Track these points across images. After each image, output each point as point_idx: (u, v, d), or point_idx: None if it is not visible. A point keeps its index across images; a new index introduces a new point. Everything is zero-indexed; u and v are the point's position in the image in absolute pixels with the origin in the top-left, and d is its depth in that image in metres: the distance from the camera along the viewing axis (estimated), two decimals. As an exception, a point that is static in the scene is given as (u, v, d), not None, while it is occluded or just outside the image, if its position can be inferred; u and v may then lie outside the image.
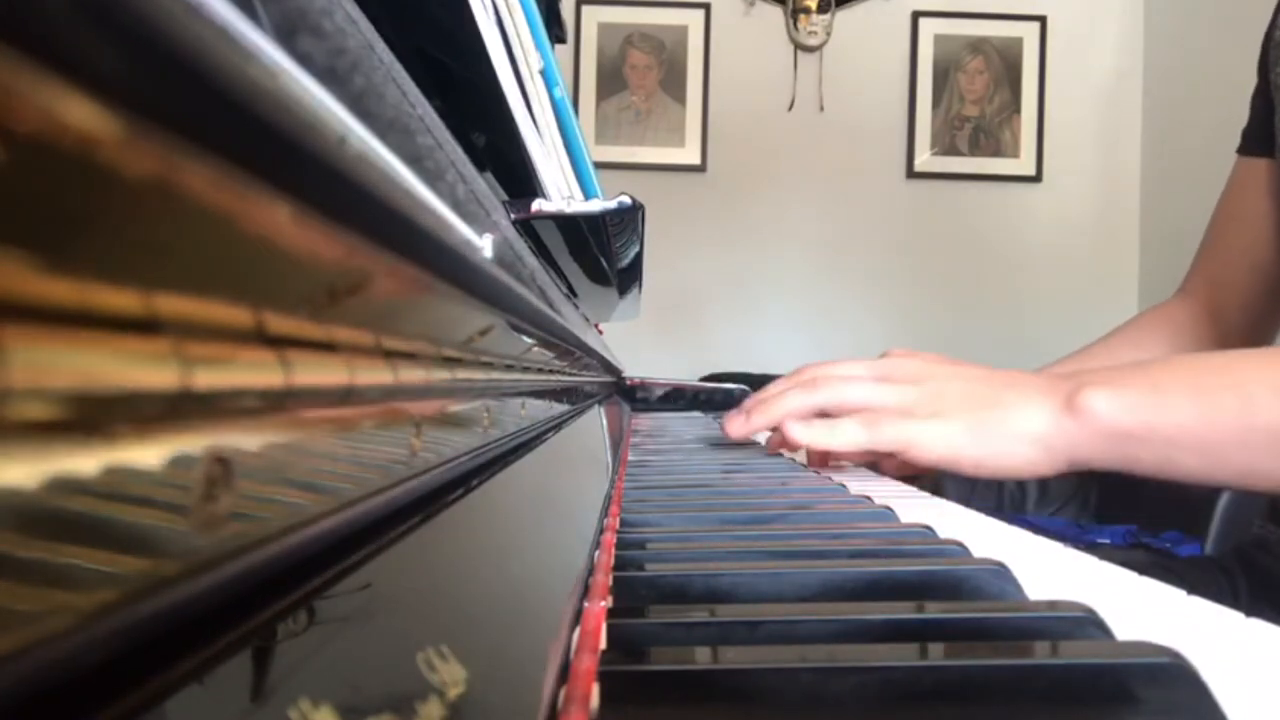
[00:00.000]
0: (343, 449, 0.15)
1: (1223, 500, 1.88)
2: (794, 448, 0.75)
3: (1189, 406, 0.60)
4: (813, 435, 0.70)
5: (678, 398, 1.66)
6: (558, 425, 0.52)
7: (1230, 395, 0.59)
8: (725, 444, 0.91)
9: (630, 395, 1.62)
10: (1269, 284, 0.94)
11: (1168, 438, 0.61)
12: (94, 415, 0.08)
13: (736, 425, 0.77)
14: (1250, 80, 0.96)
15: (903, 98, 2.80)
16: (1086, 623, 0.25)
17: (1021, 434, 0.64)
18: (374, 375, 0.15)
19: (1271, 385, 0.58)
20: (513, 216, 0.50)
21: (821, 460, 0.83)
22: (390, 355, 0.16)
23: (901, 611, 0.27)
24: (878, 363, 0.71)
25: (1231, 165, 0.99)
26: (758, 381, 1.94)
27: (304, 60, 0.11)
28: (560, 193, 0.59)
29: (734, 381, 1.78)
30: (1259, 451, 0.59)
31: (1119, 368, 0.67)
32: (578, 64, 2.73)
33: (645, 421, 1.33)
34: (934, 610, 0.27)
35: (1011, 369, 0.70)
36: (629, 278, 0.82)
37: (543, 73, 0.60)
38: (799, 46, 2.77)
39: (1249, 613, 0.31)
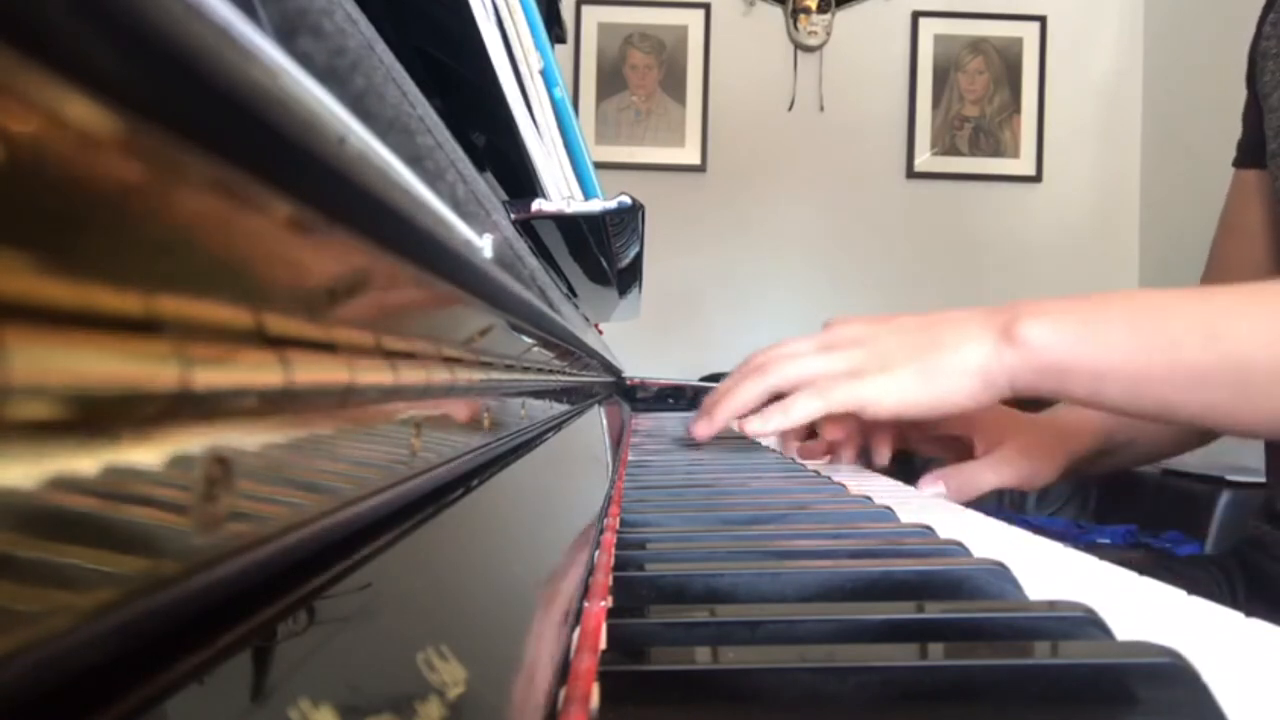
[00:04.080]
0: (343, 449, 0.15)
1: (1223, 500, 1.88)
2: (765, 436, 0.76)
3: (1120, 341, 0.62)
4: (770, 423, 0.70)
5: (678, 397, 1.67)
6: (558, 425, 0.52)
7: (1160, 334, 0.60)
8: (725, 444, 0.90)
9: (630, 395, 1.62)
10: None
11: (1096, 371, 0.62)
12: (94, 415, 0.08)
13: (702, 427, 0.76)
14: None
15: (902, 98, 2.80)
16: (1086, 623, 0.25)
17: (964, 369, 0.65)
18: (374, 375, 0.15)
19: (1201, 328, 0.59)
20: (513, 216, 0.50)
21: (817, 451, 0.83)
22: (390, 355, 0.16)
23: (901, 611, 0.27)
24: (820, 334, 0.72)
25: (1230, 164, 0.98)
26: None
27: (304, 60, 0.11)
28: (560, 193, 0.59)
29: (734, 381, 1.78)
30: (1181, 390, 0.60)
31: (1061, 298, 0.68)
32: (578, 64, 2.72)
33: (645, 421, 1.33)
34: (934, 610, 0.27)
35: (952, 309, 0.71)
36: (629, 278, 0.82)
37: (543, 73, 0.60)
38: (799, 46, 2.77)
39: (1248, 613, 0.31)
